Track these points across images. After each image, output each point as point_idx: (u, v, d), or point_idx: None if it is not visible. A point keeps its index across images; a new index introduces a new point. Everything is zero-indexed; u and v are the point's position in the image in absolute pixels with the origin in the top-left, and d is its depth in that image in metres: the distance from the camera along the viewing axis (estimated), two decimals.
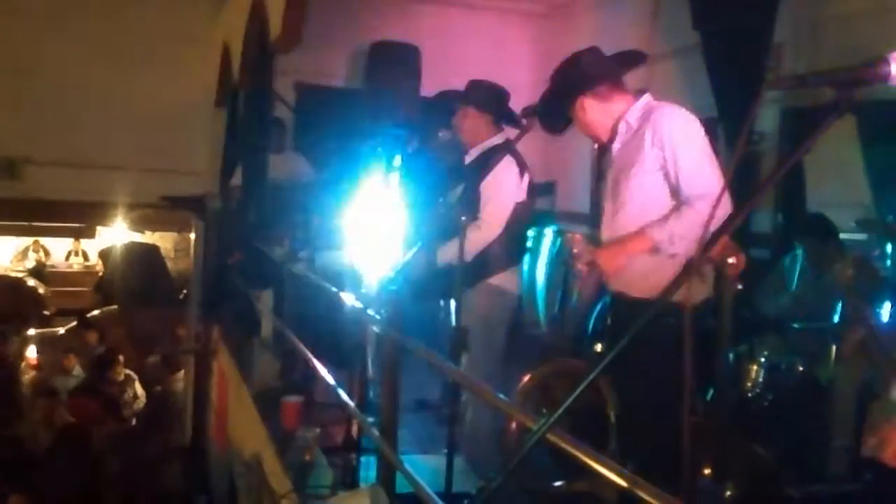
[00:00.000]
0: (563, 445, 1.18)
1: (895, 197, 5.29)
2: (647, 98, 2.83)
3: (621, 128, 2.81)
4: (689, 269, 1.28)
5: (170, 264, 11.12)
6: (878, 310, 3.41)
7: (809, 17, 5.43)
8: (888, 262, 4.63)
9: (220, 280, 6.50)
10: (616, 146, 2.84)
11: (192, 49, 8.25)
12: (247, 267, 5.91)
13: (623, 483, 1.07)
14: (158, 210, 9.05)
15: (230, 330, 5.72)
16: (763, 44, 4.99)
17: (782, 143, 5.47)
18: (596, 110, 2.85)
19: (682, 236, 2.52)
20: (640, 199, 2.72)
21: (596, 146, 3.12)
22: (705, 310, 2.65)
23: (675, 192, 2.65)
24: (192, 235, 8.38)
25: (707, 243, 1.32)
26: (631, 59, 3.02)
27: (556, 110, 2.96)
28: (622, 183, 2.77)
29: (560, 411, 1.13)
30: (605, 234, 2.86)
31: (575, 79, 2.85)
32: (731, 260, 1.35)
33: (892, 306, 2.95)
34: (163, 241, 11.27)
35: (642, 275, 2.66)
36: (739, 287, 1.44)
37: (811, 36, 5.44)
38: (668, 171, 2.65)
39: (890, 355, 1.95)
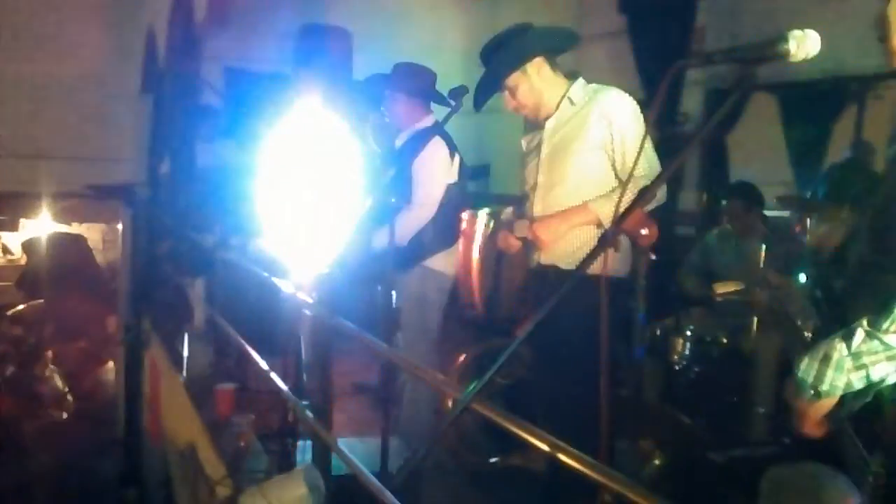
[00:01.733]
0: (488, 414, 1.21)
1: (814, 174, 5.50)
2: (582, 80, 2.89)
3: (564, 104, 2.84)
4: (605, 241, 1.33)
5: (98, 256, 10.82)
6: (794, 280, 3.55)
7: (729, 1, 5.59)
8: (807, 237, 4.82)
9: (150, 270, 6.37)
10: (551, 123, 2.88)
11: (116, 34, 8.02)
12: (177, 255, 5.81)
13: (545, 447, 1.11)
14: (85, 200, 8.79)
15: (161, 320, 5.62)
16: (686, 26, 5.13)
17: (706, 123, 5.63)
18: (530, 86, 2.86)
19: None
20: (578, 176, 2.78)
21: (524, 124, 3.16)
22: (630, 284, 2.74)
23: (617, 170, 2.73)
24: (120, 225, 8.17)
25: (620, 216, 1.37)
26: (566, 38, 3.04)
27: (489, 84, 2.94)
28: (560, 159, 2.82)
29: (485, 380, 1.16)
30: (538, 208, 2.90)
31: (512, 52, 2.84)
32: (643, 231, 1.40)
33: (806, 278, 3.08)
34: (90, 232, 10.95)
35: (574, 249, 2.72)
36: (653, 257, 1.50)
37: (731, 18, 5.59)
38: (611, 150, 2.72)
39: (799, 328, 2.05)
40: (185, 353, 4.54)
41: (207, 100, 6.74)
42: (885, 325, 1.42)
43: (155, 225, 6.69)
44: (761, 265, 3.62)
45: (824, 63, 4.47)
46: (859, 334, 1.46)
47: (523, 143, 3.12)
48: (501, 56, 2.86)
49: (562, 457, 1.10)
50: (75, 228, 11.13)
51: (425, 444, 1.31)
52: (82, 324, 9.21)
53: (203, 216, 5.60)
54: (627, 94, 2.80)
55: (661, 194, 2.48)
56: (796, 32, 1.38)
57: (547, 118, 2.91)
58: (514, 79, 2.86)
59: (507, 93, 2.91)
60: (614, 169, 2.76)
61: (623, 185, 2.66)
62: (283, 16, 7.11)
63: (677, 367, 3.79)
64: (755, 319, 3.70)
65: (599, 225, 2.67)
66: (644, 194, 1.39)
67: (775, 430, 3.26)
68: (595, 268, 1.31)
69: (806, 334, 1.97)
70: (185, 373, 4.46)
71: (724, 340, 3.81)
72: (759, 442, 3.29)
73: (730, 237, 4.51)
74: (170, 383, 4.74)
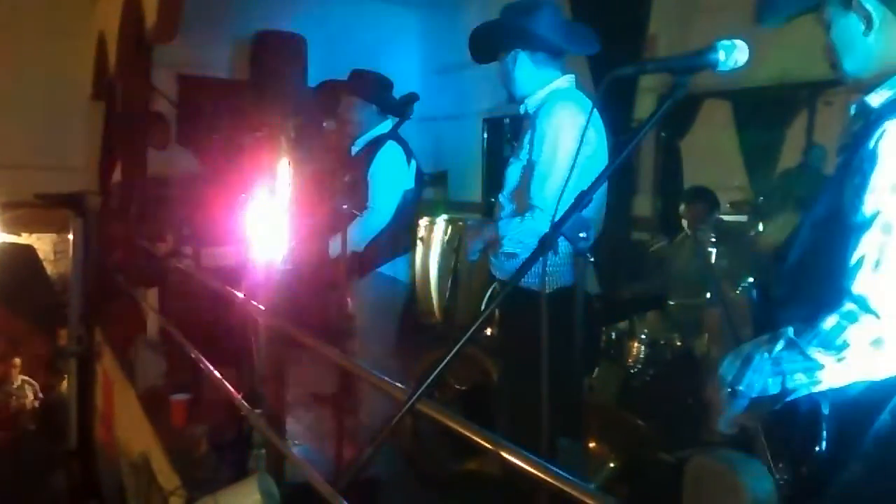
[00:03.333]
0: (433, 414, 1.21)
1: (768, 178, 5.62)
2: (560, 82, 2.74)
3: (521, 109, 2.80)
4: (544, 247, 1.34)
5: (48, 266, 10.60)
6: (743, 286, 3.61)
7: (680, 10, 5.68)
8: (759, 242, 4.91)
9: (102, 280, 6.26)
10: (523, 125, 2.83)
11: (66, 40, 7.88)
12: (129, 265, 5.72)
13: (489, 446, 1.11)
14: (34, 209, 8.60)
15: (113, 331, 5.53)
16: (637, 34, 5.19)
17: (658, 129, 5.71)
18: (525, 72, 2.74)
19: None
20: (518, 188, 2.75)
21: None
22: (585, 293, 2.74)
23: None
24: (71, 236, 8.01)
25: (558, 222, 1.39)
26: (582, 41, 2.82)
27: (487, 44, 2.83)
28: (510, 168, 2.81)
29: (429, 380, 1.16)
30: (497, 210, 2.87)
31: (520, 30, 2.70)
32: (581, 234, 1.42)
33: (754, 282, 3.14)
34: (40, 242, 10.71)
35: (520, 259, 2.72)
36: (591, 259, 1.52)
37: (681, 27, 5.69)
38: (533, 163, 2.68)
39: (738, 334, 2.09)
40: (138, 363, 4.47)
41: (161, 108, 6.66)
42: (808, 338, 1.45)
43: (106, 234, 6.58)
44: (713, 270, 3.68)
45: (775, 70, 4.58)
46: (782, 342, 1.49)
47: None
48: (510, 28, 2.70)
49: (505, 455, 1.10)
50: (24, 239, 10.88)
51: (372, 444, 1.30)
52: (32, 336, 9.02)
53: (155, 225, 5.52)
54: (572, 108, 2.62)
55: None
56: (725, 42, 1.42)
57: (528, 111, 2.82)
58: (511, 56, 2.72)
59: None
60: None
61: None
62: (237, 22, 7.06)
63: (632, 371, 3.82)
64: (707, 322, 3.75)
65: (495, 243, 2.66)
66: (580, 200, 1.41)
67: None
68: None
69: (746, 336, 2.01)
70: (137, 383, 4.39)
71: (678, 343, 3.86)
72: (712, 443, 3.34)
73: (685, 242, 4.57)
74: (122, 394, 4.67)
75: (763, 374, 1.50)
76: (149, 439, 3.75)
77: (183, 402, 3.75)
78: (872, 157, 1.42)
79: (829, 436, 1.51)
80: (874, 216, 1.41)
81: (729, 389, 1.54)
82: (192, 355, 3.47)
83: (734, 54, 1.45)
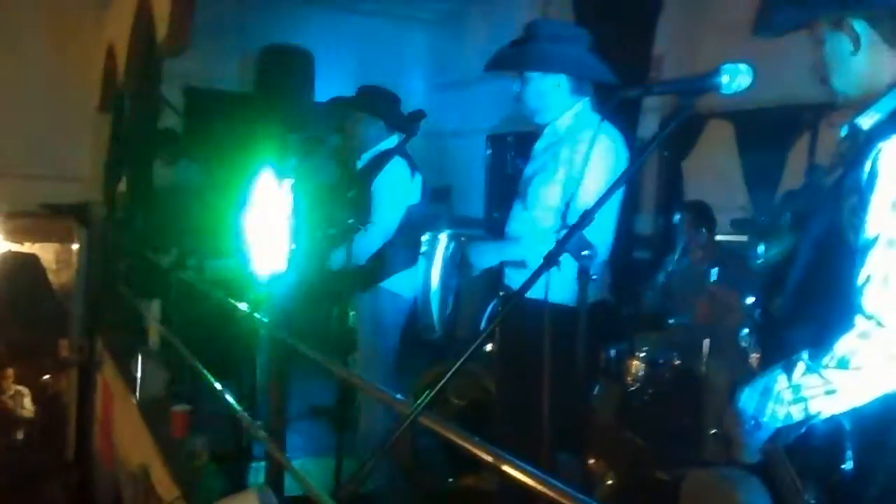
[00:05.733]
0: (435, 427, 1.22)
1: (770, 199, 5.63)
2: (582, 105, 2.76)
3: (549, 130, 2.82)
4: (548, 263, 1.36)
5: (51, 276, 10.62)
6: (745, 303, 3.61)
7: (687, 29, 5.72)
8: (759, 261, 4.90)
9: (105, 290, 6.29)
10: (541, 144, 2.85)
11: (75, 50, 7.94)
12: (133, 276, 5.74)
13: (488, 458, 1.12)
14: (38, 219, 8.63)
15: (115, 341, 5.55)
16: (644, 54, 5.23)
17: (661, 149, 5.74)
18: (532, 93, 2.75)
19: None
20: (542, 207, 2.78)
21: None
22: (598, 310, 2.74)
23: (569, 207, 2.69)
24: (76, 245, 8.04)
25: (562, 239, 1.41)
26: (592, 73, 2.78)
27: (506, 58, 2.84)
28: (533, 183, 2.83)
29: (430, 394, 1.17)
30: (510, 228, 2.91)
31: (537, 52, 2.72)
32: (584, 252, 1.44)
33: (756, 301, 3.14)
34: (43, 251, 10.74)
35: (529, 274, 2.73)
36: (594, 277, 1.54)
37: (689, 47, 5.72)
38: (568, 189, 2.69)
39: (744, 350, 2.09)
40: (140, 374, 4.49)
41: (169, 123, 6.70)
42: (825, 361, 1.45)
43: (111, 245, 6.61)
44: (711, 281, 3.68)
45: (779, 91, 4.61)
46: (800, 368, 1.49)
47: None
48: (529, 48, 2.71)
49: (506, 469, 1.11)
50: (28, 248, 10.92)
51: (374, 456, 1.31)
52: (35, 345, 9.03)
53: (160, 237, 5.55)
54: (610, 137, 2.63)
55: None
56: (729, 66, 1.44)
57: (541, 128, 2.85)
58: (531, 75, 2.73)
59: (518, 80, 2.82)
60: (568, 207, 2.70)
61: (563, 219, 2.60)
62: (246, 37, 7.11)
63: (632, 389, 3.82)
64: (707, 342, 3.75)
65: (524, 265, 2.65)
66: (585, 217, 1.43)
67: (727, 450, 3.31)
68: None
69: (752, 356, 2.02)
70: (138, 394, 4.40)
71: (677, 363, 3.86)
72: (710, 462, 3.34)
73: (683, 258, 4.58)
74: (123, 405, 4.67)
75: (784, 404, 1.50)
76: (149, 450, 3.75)
77: (184, 414, 3.75)
78: (870, 178, 1.45)
79: (854, 452, 1.51)
80: (877, 235, 1.43)
81: (752, 422, 1.54)
82: (194, 366, 3.49)
83: (738, 78, 1.48)
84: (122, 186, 6.64)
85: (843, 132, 1.63)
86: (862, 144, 1.52)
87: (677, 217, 4.51)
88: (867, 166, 1.45)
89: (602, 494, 2.89)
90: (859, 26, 1.53)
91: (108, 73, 7.14)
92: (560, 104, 2.79)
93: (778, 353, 1.58)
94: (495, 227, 3.02)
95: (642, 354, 3.86)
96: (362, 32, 7.62)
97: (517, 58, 2.83)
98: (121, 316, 5.64)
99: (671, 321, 4.21)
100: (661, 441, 3.26)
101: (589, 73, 2.76)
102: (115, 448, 4.77)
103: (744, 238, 5.24)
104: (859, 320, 1.42)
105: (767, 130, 5.62)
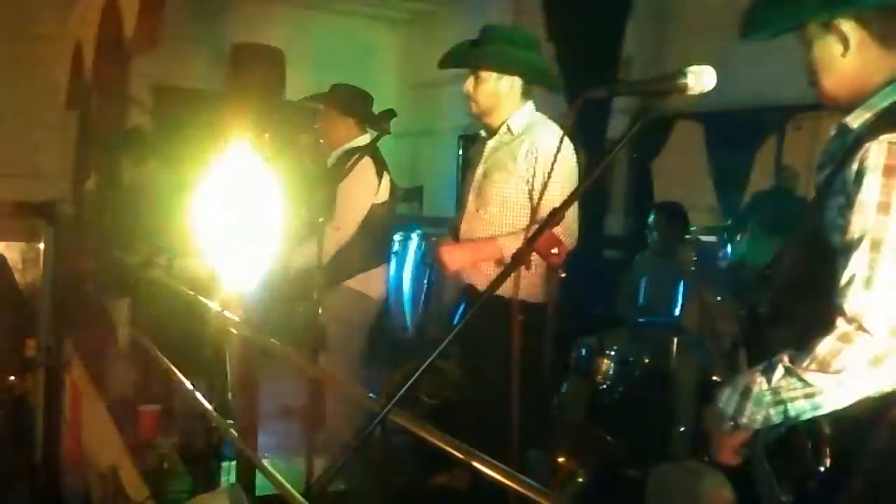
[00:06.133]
0: (405, 424, 1.23)
1: (737, 199, 5.72)
2: (530, 106, 2.90)
3: (502, 129, 2.88)
4: (517, 261, 1.37)
5: (17, 275, 10.46)
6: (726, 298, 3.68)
7: (654, 33, 5.79)
8: (727, 261, 4.99)
9: (73, 290, 6.20)
10: (492, 143, 2.91)
11: (40, 46, 7.82)
12: (101, 275, 5.67)
13: (460, 455, 1.13)
14: (4, 217, 8.49)
15: (83, 341, 5.48)
16: (612, 56, 5.28)
17: (630, 150, 5.80)
18: (485, 92, 2.87)
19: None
20: (499, 206, 2.82)
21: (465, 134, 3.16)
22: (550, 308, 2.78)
23: (534, 206, 2.74)
24: (42, 244, 7.92)
25: (531, 237, 1.41)
26: (544, 78, 3.01)
27: (463, 56, 2.97)
28: (488, 184, 2.86)
29: (401, 392, 1.18)
30: (464, 227, 2.94)
31: (494, 52, 2.85)
32: (553, 250, 1.45)
33: (732, 297, 3.20)
34: (9, 250, 10.56)
35: (493, 272, 2.76)
36: (563, 275, 1.55)
37: (656, 50, 5.79)
38: (531, 186, 2.75)
39: (723, 346, 2.13)
40: (108, 374, 4.44)
41: (138, 121, 6.63)
42: (805, 363, 1.45)
43: (78, 243, 6.53)
44: (688, 287, 3.74)
45: (747, 94, 4.68)
46: (780, 370, 1.48)
47: (472, 150, 3.15)
48: (483, 47, 2.87)
49: (476, 465, 1.13)
50: None
51: (346, 455, 1.32)
52: (1, 346, 8.88)
53: (129, 235, 5.49)
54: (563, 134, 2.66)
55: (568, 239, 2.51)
56: (694, 67, 1.46)
57: (490, 128, 2.94)
58: (475, 74, 2.87)
59: (472, 78, 2.90)
60: (531, 204, 2.76)
61: (531, 217, 2.67)
62: (215, 34, 7.05)
63: (601, 387, 3.86)
64: (676, 340, 3.81)
65: (504, 261, 2.69)
66: (554, 215, 1.44)
67: (695, 447, 3.36)
68: (507, 288, 1.34)
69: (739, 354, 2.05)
70: (107, 394, 4.36)
71: (647, 361, 3.90)
72: (679, 458, 3.39)
73: (655, 258, 4.62)
74: (91, 405, 4.62)
75: (764, 406, 1.50)
76: (118, 451, 3.72)
77: (153, 413, 3.72)
78: (857, 178, 1.44)
79: (831, 453, 1.52)
80: (862, 236, 1.42)
81: (731, 423, 1.55)
82: (164, 366, 3.46)
83: (702, 80, 1.50)
84: (90, 185, 6.56)
85: (833, 131, 1.63)
86: (850, 144, 1.52)
87: (651, 217, 4.55)
88: (855, 166, 1.45)
89: (572, 491, 2.91)
90: (848, 26, 1.53)
91: (75, 70, 7.04)
92: (510, 105, 2.89)
93: (764, 353, 1.57)
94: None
95: (612, 353, 3.90)
96: (334, 31, 7.60)
97: (474, 56, 2.90)
98: (89, 315, 5.56)
99: (641, 320, 4.26)
100: (631, 438, 3.30)
101: (541, 77, 2.94)
102: (83, 449, 4.72)
103: (712, 238, 5.33)
104: (840, 322, 1.42)
105: (735, 132, 5.71)
